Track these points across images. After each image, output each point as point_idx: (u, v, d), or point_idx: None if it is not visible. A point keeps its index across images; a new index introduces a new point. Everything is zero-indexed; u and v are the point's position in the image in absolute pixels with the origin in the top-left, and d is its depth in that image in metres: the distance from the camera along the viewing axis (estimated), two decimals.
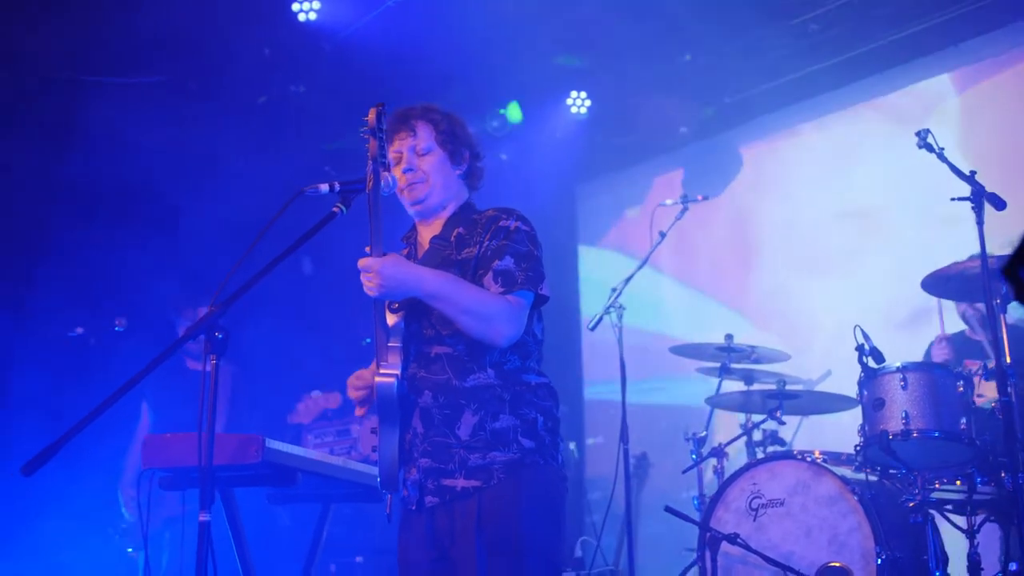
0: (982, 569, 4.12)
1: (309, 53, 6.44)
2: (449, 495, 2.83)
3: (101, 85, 6.46)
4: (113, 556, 5.10)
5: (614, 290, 5.50)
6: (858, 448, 4.26)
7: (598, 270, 7.89)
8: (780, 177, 6.97)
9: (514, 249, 2.90)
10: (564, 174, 7.97)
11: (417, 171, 3.03)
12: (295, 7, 6.15)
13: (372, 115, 2.84)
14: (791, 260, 6.77)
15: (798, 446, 5.99)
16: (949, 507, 4.34)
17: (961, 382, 4.13)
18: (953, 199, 3.94)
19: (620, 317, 5.46)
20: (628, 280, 5.50)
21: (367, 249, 2.84)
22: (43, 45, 5.92)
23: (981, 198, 3.85)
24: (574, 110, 7.26)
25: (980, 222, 3.85)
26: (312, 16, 6.16)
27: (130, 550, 5.09)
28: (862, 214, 6.51)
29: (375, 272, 2.75)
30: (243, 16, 6.19)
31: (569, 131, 7.52)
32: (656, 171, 7.56)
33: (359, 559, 6.03)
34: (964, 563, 4.15)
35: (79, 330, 4.87)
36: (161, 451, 2.97)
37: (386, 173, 3.03)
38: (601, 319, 5.43)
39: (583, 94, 7.20)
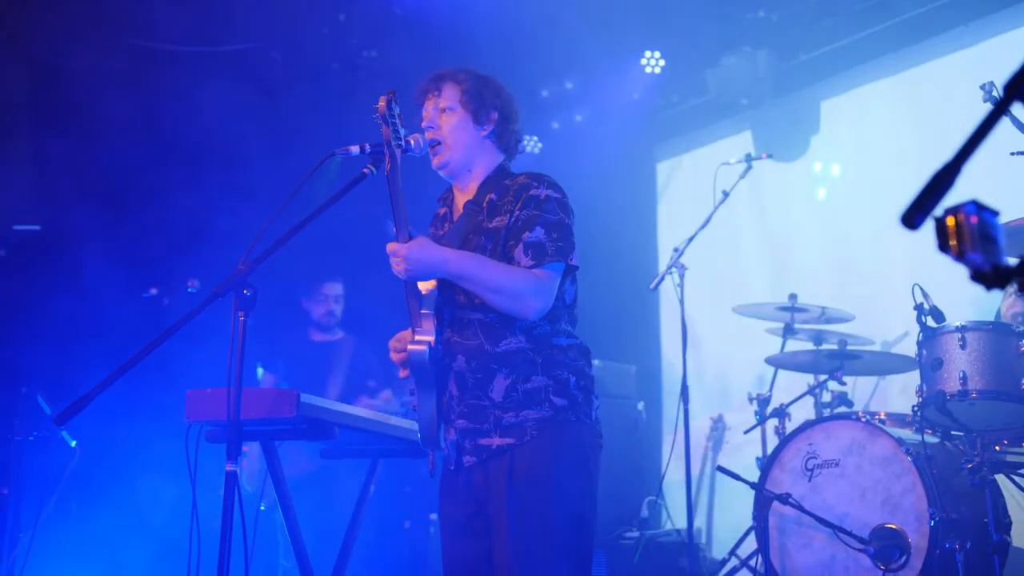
0: None
1: (380, 17, 6.52)
2: (486, 454, 2.90)
3: (185, 55, 6.67)
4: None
5: (676, 250, 5.47)
6: (915, 409, 4.19)
7: (677, 229, 7.83)
8: (856, 134, 6.80)
9: (544, 219, 2.93)
10: (642, 134, 7.93)
11: (437, 129, 3.07)
12: None
13: (382, 103, 2.89)
14: (869, 218, 6.61)
15: (875, 407, 5.91)
16: (1023, 471, 4.24)
17: (1023, 341, 4.02)
18: (1012, 154, 3.82)
19: (682, 277, 5.44)
20: (691, 240, 5.47)
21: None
22: (124, 16, 6.14)
23: None
24: (648, 70, 7.20)
25: None
26: None
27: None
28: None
29: (402, 257, 2.83)
30: None
31: (645, 91, 7.47)
32: (732, 129, 7.45)
33: (433, 516, 6.18)
34: None
35: (153, 291, 5.07)
36: (204, 405, 3.10)
37: (417, 135, 3.11)
38: (663, 279, 5.41)
39: (656, 53, 7.13)
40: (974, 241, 1.27)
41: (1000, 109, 1.23)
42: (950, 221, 1.27)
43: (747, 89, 6.83)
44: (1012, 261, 1.27)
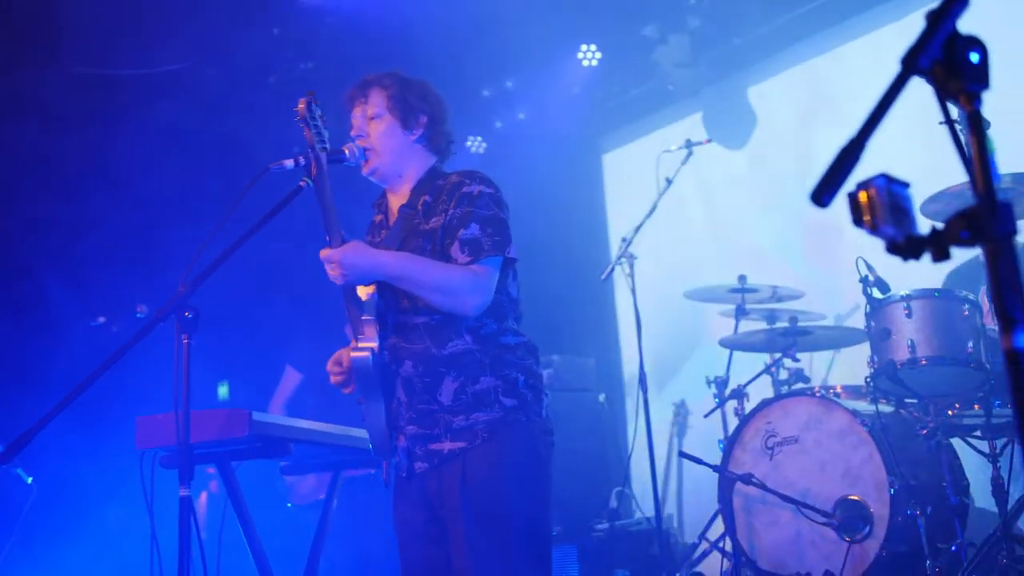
0: (1006, 492, 4.09)
1: (314, 29, 6.49)
2: (437, 459, 2.89)
3: (120, 78, 6.59)
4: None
5: (624, 240, 5.49)
6: (868, 380, 4.24)
7: (626, 219, 7.87)
8: (794, 113, 6.86)
9: (478, 215, 2.93)
10: (585, 127, 7.95)
11: (366, 137, 3.06)
12: None
13: (302, 105, 2.88)
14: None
15: (833, 380, 5.97)
16: (977, 433, 4.30)
17: (967, 306, 4.08)
18: (941, 123, 3.85)
19: (632, 266, 5.46)
20: (638, 229, 5.49)
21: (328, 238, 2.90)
22: (55, 43, 6.06)
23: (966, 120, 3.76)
24: (585, 63, 7.22)
25: (967, 143, 3.75)
26: None
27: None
28: (882, 142, 6.37)
29: (336, 263, 2.81)
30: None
31: (585, 85, 7.49)
32: (675, 117, 7.49)
33: None
34: (989, 487, 4.12)
35: (101, 319, 5.01)
36: (154, 431, 3.07)
37: (351, 144, 3.10)
38: (613, 269, 5.43)
39: (592, 46, 7.15)
40: (886, 214, 1.29)
41: (898, 84, 1.25)
42: (862, 196, 1.30)
43: (683, 76, 6.87)
44: (924, 231, 1.29)
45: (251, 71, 6.69)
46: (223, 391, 6.51)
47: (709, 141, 5.63)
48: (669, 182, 5.60)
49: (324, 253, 2.84)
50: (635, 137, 7.99)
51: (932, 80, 1.26)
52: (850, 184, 1.31)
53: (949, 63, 1.23)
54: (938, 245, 1.26)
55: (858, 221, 1.31)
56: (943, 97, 1.27)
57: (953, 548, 3.94)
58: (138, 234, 6.15)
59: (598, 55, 7.16)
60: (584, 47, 7.13)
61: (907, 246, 1.30)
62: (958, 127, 1.31)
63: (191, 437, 2.71)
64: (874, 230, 1.30)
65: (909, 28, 5.91)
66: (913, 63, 1.23)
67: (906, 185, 1.33)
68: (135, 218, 6.18)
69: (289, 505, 5.35)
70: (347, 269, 2.82)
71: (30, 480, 4.89)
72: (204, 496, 5.68)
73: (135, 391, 5.03)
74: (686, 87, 7.08)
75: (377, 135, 3.06)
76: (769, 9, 6.67)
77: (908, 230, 1.30)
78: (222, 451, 3.18)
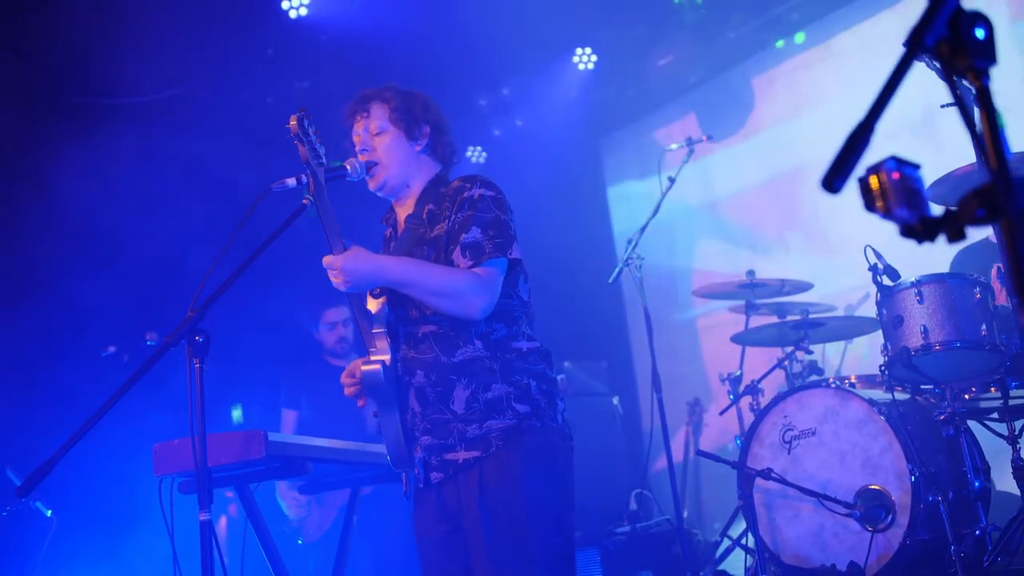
0: None
1: (307, 48, 6.50)
2: (453, 468, 2.87)
3: (117, 106, 6.61)
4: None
5: (630, 242, 5.48)
6: (883, 368, 4.21)
7: (630, 220, 7.86)
8: (792, 104, 6.85)
9: (479, 218, 2.91)
10: (585, 132, 7.95)
11: (372, 151, 3.06)
12: (284, 5, 6.20)
13: (293, 121, 2.85)
14: (815, 187, 6.65)
15: (847, 371, 5.94)
16: (995, 415, 4.27)
17: (978, 288, 4.05)
18: (943, 106, 3.84)
19: (640, 268, 5.44)
20: (643, 229, 5.48)
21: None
22: (49, 73, 6.07)
23: (969, 101, 3.75)
24: (581, 67, 7.23)
25: (971, 125, 3.73)
26: (303, 12, 6.20)
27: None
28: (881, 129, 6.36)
29: (338, 269, 2.81)
30: (241, 21, 6.29)
31: (582, 88, 7.50)
32: (674, 115, 7.49)
33: None
34: (1010, 470, 4.09)
35: (111, 349, 5.00)
36: (172, 457, 3.06)
37: (353, 160, 3.10)
38: (620, 271, 5.41)
39: (588, 50, 7.15)
40: (899, 197, 1.27)
41: (904, 64, 1.24)
42: (873, 180, 1.28)
43: (679, 73, 6.86)
44: (937, 212, 1.27)
45: (247, 92, 6.70)
46: (237, 414, 6.50)
47: (710, 138, 5.62)
48: (672, 181, 5.59)
49: (327, 260, 2.84)
50: (635, 138, 8.00)
51: (938, 58, 1.24)
52: (860, 169, 1.30)
53: (955, 40, 1.22)
54: (953, 225, 1.24)
55: (870, 206, 1.29)
56: (949, 75, 1.25)
57: (977, 533, 3.91)
58: (146, 262, 6.15)
59: (594, 58, 7.17)
60: (580, 51, 7.14)
61: (922, 228, 1.28)
62: (966, 105, 1.29)
63: (208, 461, 2.70)
64: (887, 214, 1.28)
65: (905, 13, 5.92)
66: (918, 42, 1.21)
67: (916, 167, 1.31)
68: (139, 245, 6.18)
69: (300, 542, 5.32)
70: (349, 275, 2.81)
71: (49, 513, 4.87)
72: (224, 521, 5.66)
73: (152, 417, 5.02)
74: (683, 84, 7.07)
75: (383, 148, 3.06)
76: (760, 3, 6.67)
77: (922, 211, 1.28)
78: (240, 473, 3.17)
